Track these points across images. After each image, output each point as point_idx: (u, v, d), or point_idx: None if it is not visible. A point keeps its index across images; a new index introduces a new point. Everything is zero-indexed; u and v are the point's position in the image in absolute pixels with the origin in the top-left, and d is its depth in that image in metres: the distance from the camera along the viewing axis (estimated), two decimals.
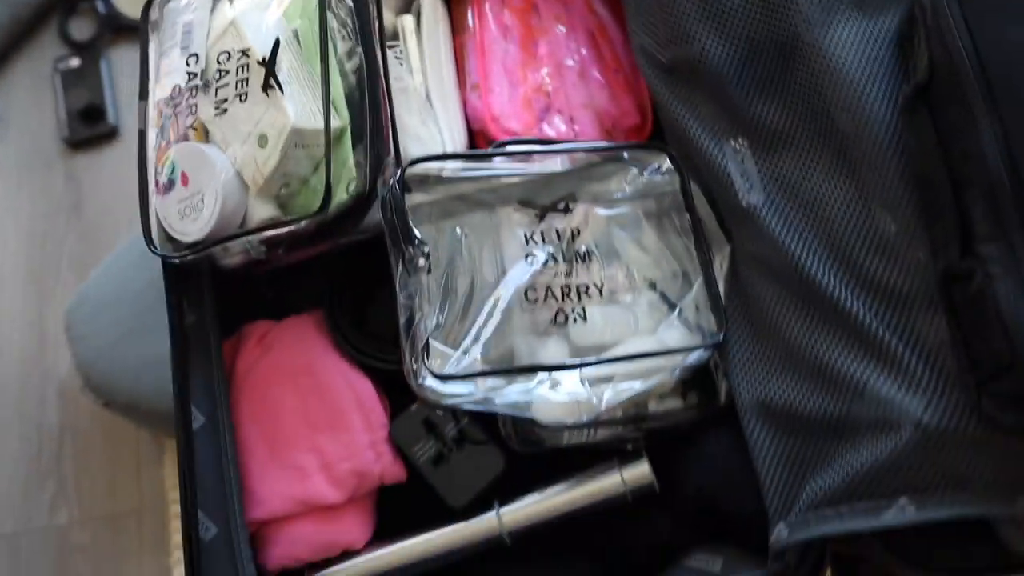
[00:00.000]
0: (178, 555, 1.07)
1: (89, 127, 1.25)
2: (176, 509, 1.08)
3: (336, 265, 0.66)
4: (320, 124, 0.54)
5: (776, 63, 0.58)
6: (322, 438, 0.60)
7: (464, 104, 0.67)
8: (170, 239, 0.59)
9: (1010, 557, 0.52)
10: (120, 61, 1.30)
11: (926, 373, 0.49)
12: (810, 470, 0.53)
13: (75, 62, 1.27)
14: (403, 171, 0.56)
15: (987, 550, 0.52)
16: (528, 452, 0.60)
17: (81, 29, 1.30)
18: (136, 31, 1.28)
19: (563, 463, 0.62)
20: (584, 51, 0.70)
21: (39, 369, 1.16)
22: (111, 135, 1.25)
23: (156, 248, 0.59)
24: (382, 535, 0.62)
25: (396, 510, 0.64)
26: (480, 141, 0.67)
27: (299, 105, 0.55)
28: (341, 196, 0.55)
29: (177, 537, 1.07)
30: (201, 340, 0.60)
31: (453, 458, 0.61)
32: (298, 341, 0.64)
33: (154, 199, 0.59)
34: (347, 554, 0.60)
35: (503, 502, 0.61)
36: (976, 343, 0.47)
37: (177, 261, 0.59)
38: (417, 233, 0.54)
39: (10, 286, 1.20)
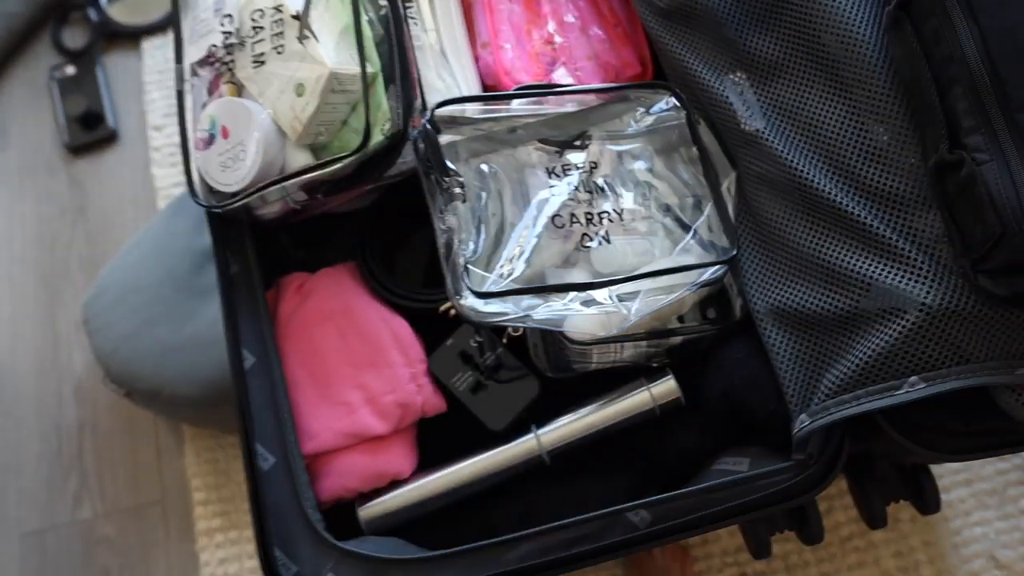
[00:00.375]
0: (204, 542, 1.08)
1: (89, 132, 1.27)
2: (199, 497, 1.10)
3: (364, 220, 0.70)
4: (356, 69, 0.58)
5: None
6: (365, 374, 0.64)
7: (476, 61, 0.72)
8: (212, 192, 0.63)
9: (1014, 434, 0.56)
10: (115, 67, 1.32)
11: (926, 262, 0.54)
12: (826, 364, 0.57)
13: (71, 70, 1.30)
14: (433, 111, 0.60)
15: (993, 427, 0.57)
16: (559, 377, 0.64)
17: (74, 38, 1.33)
18: (128, 37, 1.32)
19: (592, 388, 0.66)
20: (583, 7, 0.75)
21: (55, 368, 1.17)
22: (111, 139, 1.28)
23: (200, 200, 0.62)
24: (425, 467, 0.66)
25: (436, 444, 0.67)
26: None
27: (334, 52, 0.58)
28: (377, 137, 0.59)
29: (202, 524, 1.09)
30: (246, 287, 0.63)
31: (490, 386, 0.64)
32: (334, 287, 0.67)
33: (195, 155, 0.62)
34: (395, 483, 0.64)
35: (539, 426, 0.64)
36: (968, 227, 0.52)
37: (220, 211, 0.62)
38: (451, 164, 0.58)
39: (21, 290, 1.21)
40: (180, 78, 0.64)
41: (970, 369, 0.53)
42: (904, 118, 0.56)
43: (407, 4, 0.69)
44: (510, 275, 0.58)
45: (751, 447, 0.62)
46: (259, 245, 0.68)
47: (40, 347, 1.18)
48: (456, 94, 0.68)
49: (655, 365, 0.64)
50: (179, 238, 1.03)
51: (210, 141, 0.61)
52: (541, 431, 0.64)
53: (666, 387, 0.63)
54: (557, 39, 0.73)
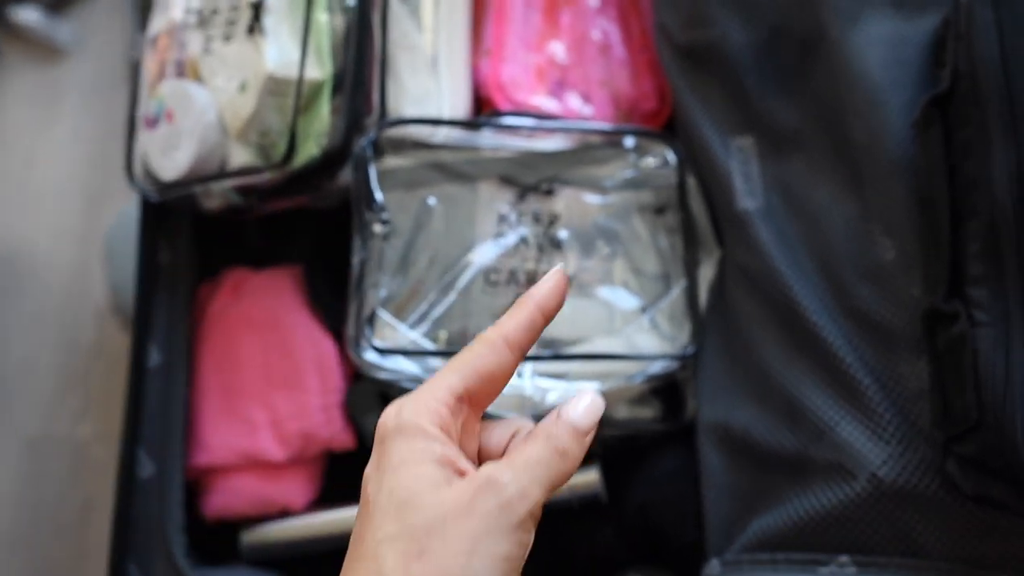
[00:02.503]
0: None
1: None
2: None
3: (323, 223, 0.65)
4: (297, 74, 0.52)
5: (796, 57, 0.53)
6: (277, 394, 0.60)
7: (475, 70, 0.65)
8: (149, 176, 0.59)
9: None
10: None
11: (894, 422, 0.44)
12: (756, 508, 0.49)
13: None
14: (378, 131, 0.54)
15: None
16: None
17: None
18: None
19: None
20: (612, 25, 0.66)
21: (82, 286, 1.20)
22: None
23: (135, 182, 0.59)
24: (330, 501, 0.61)
25: (349, 478, 0.62)
26: (485, 109, 0.64)
27: (282, 52, 0.53)
28: (311, 151, 0.53)
29: None
30: (172, 280, 0.60)
31: None
32: (271, 294, 0.63)
33: (141, 132, 0.59)
34: (285, 513, 0.60)
35: None
36: (952, 393, 0.42)
37: (156, 199, 0.58)
38: (379, 197, 0.52)
39: (66, 202, 1.24)
40: (139, 48, 0.60)
41: (917, 566, 0.43)
42: (916, 237, 0.46)
43: None
44: (421, 330, 0.52)
45: (662, 570, 0.54)
46: (213, 231, 0.64)
47: (73, 263, 1.21)
48: (437, 105, 0.61)
49: None
50: None
51: (155, 122, 0.58)
52: None
53: (587, 479, 0.56)
54: (570, 58, 0.65)
